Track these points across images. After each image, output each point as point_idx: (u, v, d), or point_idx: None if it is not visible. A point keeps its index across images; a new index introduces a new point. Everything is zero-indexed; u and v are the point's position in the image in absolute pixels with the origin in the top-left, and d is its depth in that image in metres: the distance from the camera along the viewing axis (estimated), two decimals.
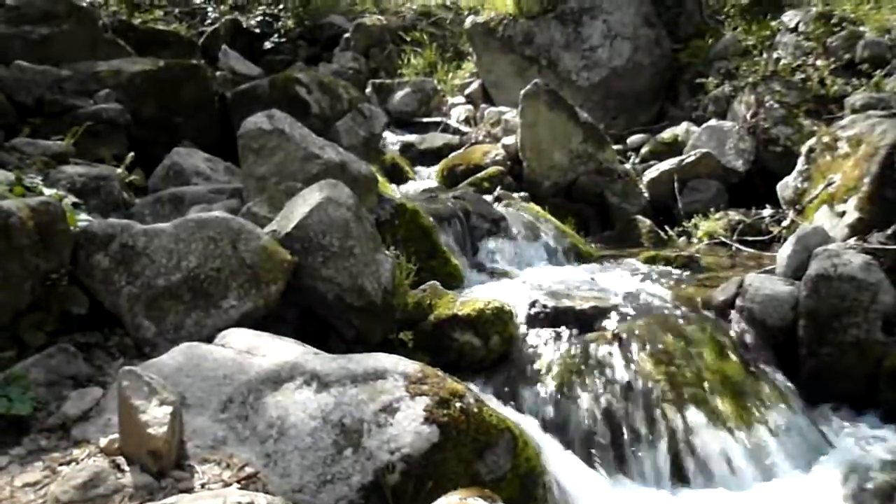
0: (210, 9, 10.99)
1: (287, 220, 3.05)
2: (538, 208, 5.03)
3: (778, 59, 6.21)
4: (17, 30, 5.99)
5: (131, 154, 4.91)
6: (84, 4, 7.79)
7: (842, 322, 3.23)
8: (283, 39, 10.82)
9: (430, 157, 6.78)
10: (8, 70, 5.38)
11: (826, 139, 4.78)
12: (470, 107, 8.11)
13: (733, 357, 3.31)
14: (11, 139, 4.72)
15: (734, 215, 5.08)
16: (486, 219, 4.53)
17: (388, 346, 3.04)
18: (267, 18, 11.04)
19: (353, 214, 3.09)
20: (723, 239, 4.87)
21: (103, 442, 2.01)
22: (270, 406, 2.19)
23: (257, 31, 10.72)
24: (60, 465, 2.01)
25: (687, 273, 4.26)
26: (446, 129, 7.56)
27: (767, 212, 5.12)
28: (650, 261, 4.46)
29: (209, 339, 2.62)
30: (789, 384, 3.29)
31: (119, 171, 4.54)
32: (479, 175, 5.78)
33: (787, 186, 4.95)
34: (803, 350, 3.32)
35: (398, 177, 6.06)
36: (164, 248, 2.77)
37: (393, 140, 7.11)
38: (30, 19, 6.13)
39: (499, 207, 4.77)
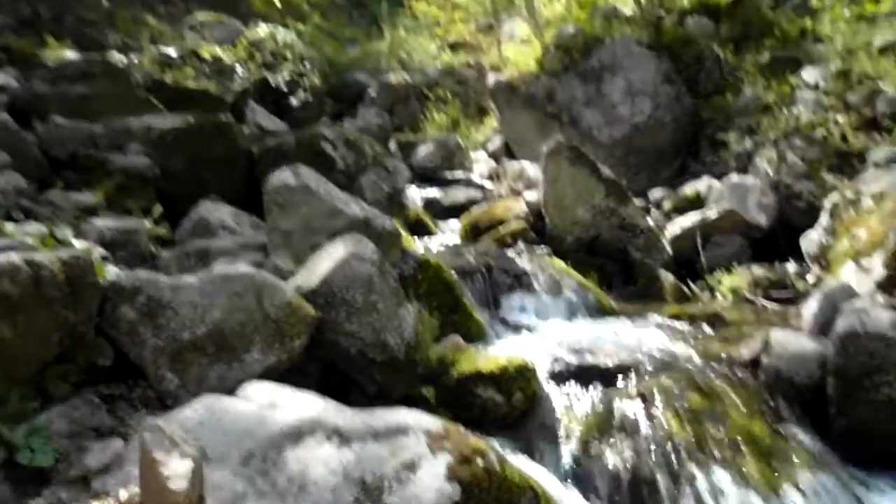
0: (239, 67, 11.31)
1: (311, 275, 3.08)
2: (561, 263, 5.02)
3: (798, 116, 6.23)
4: (55, 89, 6.22)
5: (159, 207, 5.02)
6: (119, 64, 8.09)
7: (873, 380, 3.16)
8: (309, 96, 11.08)
9: (453, 211, 6.83)
10: (45, 126, 5.56)
11: (849, 194, 4.76)
12: (493, 162, 8.22)
13: (760, 416, 3.24)
14: (45, 192, 4.86)
15: (758, 270, 5.04)
16: (508, 273, 4.53)
17: (410, 402, 3.01)
18: (294, 76, 11.33)
19: (377, 269, 3.11)
20: (747, 294, 4.82)
21: (123, 495, 2.01)
22: (291, 461, 2.18)
23: (285, 88, 11.00)
24: None
25: (711, 329, 4.21)
26: (469, 184, 7.64)
27: (792, 267, 5.08)
28: (674, 316, 4.41)
29: (231, 392, 2.62)
30: (820, 444, 3.20)
31: (147, 224, 4.64)
32: (501, 230, 5.80)
33: (811, 241, 4.92)
34: (833, 409, 3.24)
35: (421, 231, 6.10)
36: (189, 302, 2.80)
37: (416, 195, 7.18)
38: (69, 78, 6.37)
39: (521, 262, 4.77)
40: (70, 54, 8.82)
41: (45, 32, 10.19)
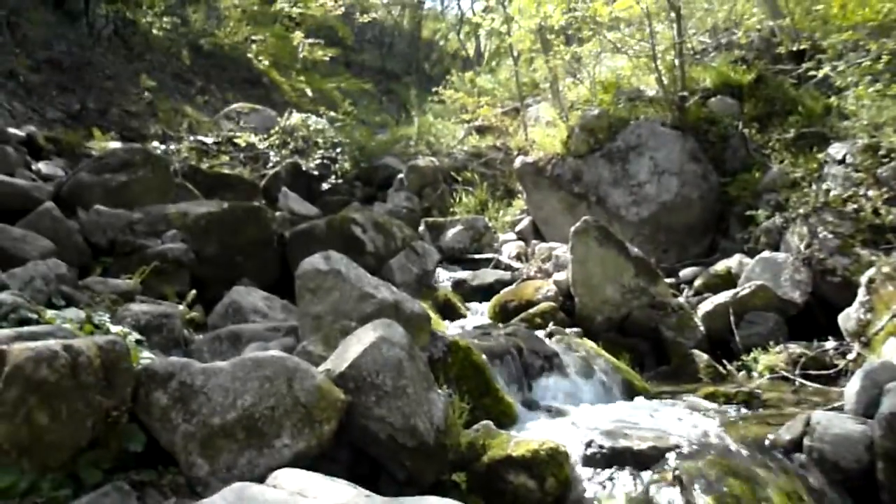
0: (272, 153, 11.69)
1: (341, 360, 3.09)
2: (592, 344, 4.97)
3: (828, 191, 6.22)
4: (98, 178, 6.49)
5: (193, 292, 5.13)
6: (159, 153, 8.43)
7: None
8: (340, 181, 11.36)
9: (482, 293, 6.83)
10: (87, 214, 5.77)
11: (886, 269, 4.69)
12: (521, 243, 8.26)
13: (805, 502, 3.11)
14: (84, 278, 5.00)
15: (795, 348, 4.93)
16: (539, 355, 4.48)
17: (440, 488, 2.96)
18: (325, 161, 11.66)
19: (407, 354, 3.11)
20: (785, 373, 4.70)
21: None
22: None
23: (316, 173, 11.30)
24: None
25: (749, 410, 4.09)
26: (498, 265, 7.67)
27: (830, 344, 4.96)
28: (710, 397, 4.31)
29: (261, 479, 2.59)
30: None
31: (181, 308, 4.72)
32: (531, 311, 5.78)
33: (849, 318, 4.82)
34: (885, 496, 3.09)
35: (451, 313, 6.10)
36: (220, 387, 2.81)
37: (445, 276, 7.22)
38: (111, 168, 6.64)
39: (552, 343, 4.72)
40: (114, 144, 9.23)
41: (92, 125, 10.70)
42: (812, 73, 7.38)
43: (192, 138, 11.52)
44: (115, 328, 3.71)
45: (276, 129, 12.20)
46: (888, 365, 3.65)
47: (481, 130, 12.39)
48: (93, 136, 10.12)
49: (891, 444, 3.08)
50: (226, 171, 9.96)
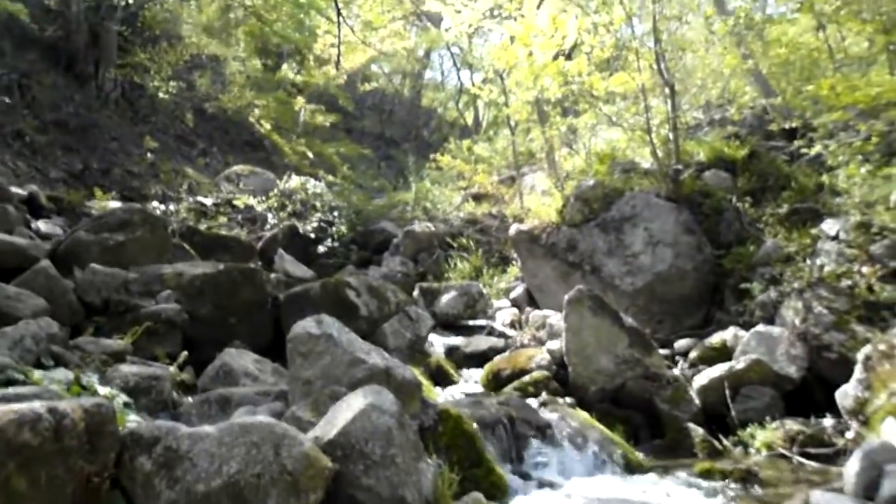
0: (270, 215, 11.77)
1: (330, 426, 3.04)
2: (585, 414, 4.90)
3: (822, 266, 6.25)
4: (96, 237, 6.51)
5: (185, 353, 5.07)
6: (157, 213, 8.49)
7: None
8: (336, 244, 11.41)
9: (475, 360, 6.76)
10: (82, 273, 5.76)
11: (882, 347, 4.67)
12: (515, 310, 8.24)
13: None
14: (76, 337, 4.95)
15: (792, 425, 4.86)
16: (531, 425, 4.41)
17: None
18: (322, 224, 11.73)
19: (396, 422, 3.07)
20: (783, 451, 4.63)
21: None
22: None
23: (312, 235, 11.35)
24: None
25: (746, 488, 4.02)
26: (491, 332, 7.63)
27: (828, 422, 4.90)
28: (705, 474, 4.23)
29: None
30: None
31: (172, 370, 4.67)
32: (524, 379, 5.72)
33: (846, 395, 4.77)
34: None
35: (443, 380, 6.04)
36: (206, 452, 2.76)
37: (438, 342, 7.17)
38: (109, 227, 6.68)
39: (544, 413, 4.66)
40: (114, 204, 9.30)
41: (94, 184, 10.82)
42: (804, 150, 7.52)
43: (191, 199, 11.61)
44: (103, 390, 3.66)
45: (275, 191, 12.33)
46: (887, 446, 3.61)
47: (477, 198, 12.52)
48: (94, 196, 10.21)
49: None
50: (223, 232, 10.01)
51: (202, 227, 9.81)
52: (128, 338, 5.09)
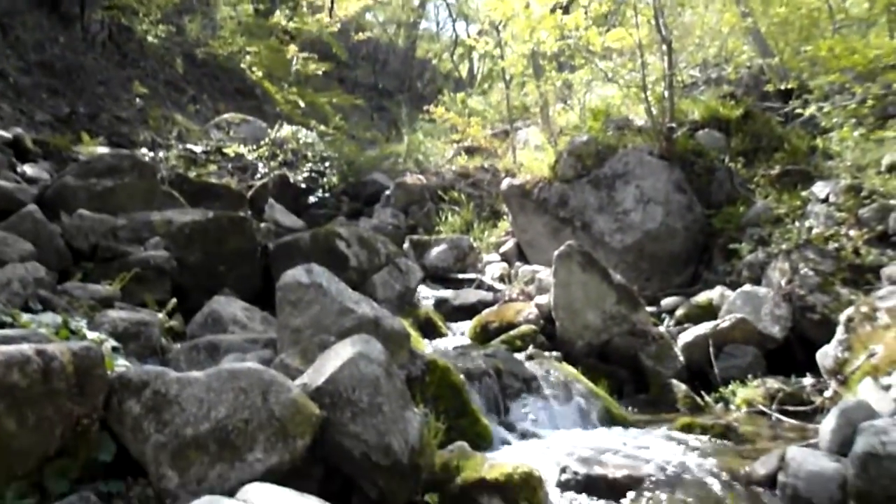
0: (261, 164, 11.67)
1: (318, 374, 3.07)
2: (571, 369, 4.97)
3: (810, 228, 6.29)
4: (83, 182, 6.44)
5: (173, 300, 5.08)
6: (146, 159, 8.39)
7: None
8: (327, 194, 11.37)
9: (463, 312, 6.82)
10: (70, 218, 5.71)
11: (865, 309, 4.72)
12: (504, 265, 8.27)
13: None
14: (64, 282, 4.94)
15: (773, 383, 4.95)
16: (517, 378, 4.47)
17: None
18: (313, 175, 11.66)
19: (384, 371, 3.09)
20: (762, 408, 4.72)
21: None
22: None
23: (303, 186, 11.29)
24: None
25: (725, 443, 4.11)
26: (480, 285, 7.67)
27: (808, 381, 4.99)
28: (686, 428, 4.31)
29: (231, 493, 2.56)
30: None
31: (160, 316, 4.68)
32: (511, 333, 5.78)
33: (826, 355, 4.85)
34: None
35: (431, 332, 6.09)
36: (195, 397, 2.78)
37: (428, 295, 7.21)
38: (97, 173, 6.60)
39: (531, 366, 4.72)
40: (102, 150, 9.17)
41: (81, 129, 10.65)
42: (799, 112, 7.50)
43: (181, 146, 11.48)
44: (91, 334, 3.67)
45: (266, 140, 12.20)
46: (863, 404, 3.67)
47: (470, 151, 12.45)
48: (81, 141, 10.06)
49: (863, 483, 3.10)
50: (213, 180, 9.92)
51: (192, 174, 9.71)
52: (116, 284, 5.09)
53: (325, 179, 11.64)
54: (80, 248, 5.57)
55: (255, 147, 11.98)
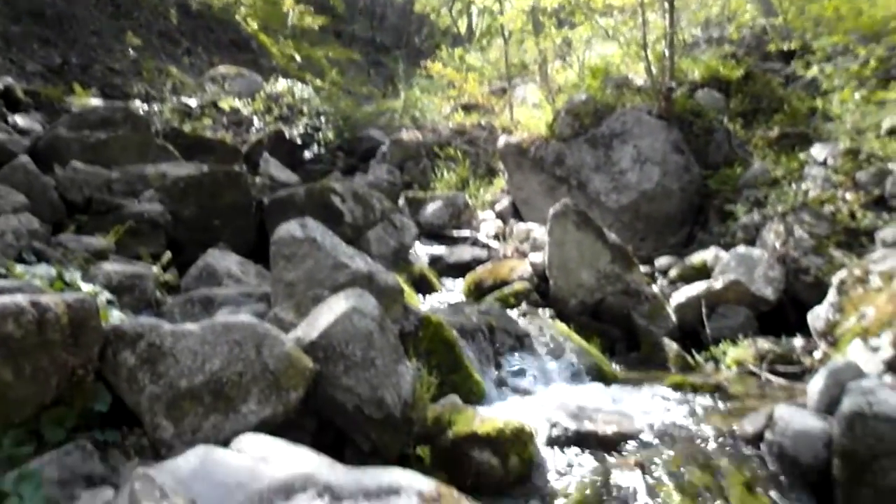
0: (256, 119, 11.55)
1: (312, 328, 3.08)
2: (564, 326, 5.00)
3: (807, 191, 6.28)
4: (76, 134, 6.37)
5: (168, 254, 5.07)
6: (140, 112, 8.30)
7: (881, 464, 3.06)
8: (322, 150, 11.28)
9: (457, 269, 6.84)
10: (63, 170, 5.66)
11: (857, 272, 4.75)
12: (499, 222, 8.26)
13: (763, 494, 3.17)
14: (58, 234, 4.92)
15: (764, 344, 5.00)
16: (510, 335, 4.51)
17: (404, 461, 2.98)
18: (309, 130, 11.55)
19: (377, 325, 3.11)
20: (752, 368, 4.77)
21: None
22: None
23: (299, 141, 11.20)
24: None
25: (714, 401, 4.16)
26: (475, 243, 7.68)
27: (798, 342, 5.04)
28: (676, 386, 4.37)
29: (225, 444, 2.59)
30: None
31: (155, 270, 4.67)
32: (505, 290, 5.80)
33: (818, 317, 4.89)
34: (839, 492, 3.15)
35: (425, 288, 6.11)
36: (189, 350, 2.80)
37: (422, 251, 7.21)
38: (89, 125, 6.53)
39: (524, 324, 4.75)
40: (95, 102, 9.06)
41: (73, 80, 10.49)
42: (800, 73, 7.42)
43: (175, 99, 11.34)
44: (85, 286, 3.67)
45: (261, 94, 12.06)
46: (852, 365, 3.71)
47: (467, 108, 12.33)
48: (73, 92, 9.92)
49: (848, 441, 3.14)
50: (208, 134, 9.84)
51: (186, 128, 9.62)
52: (110, 237, 5.07)
53: (320, 135, 11.54)
54: (74, 200, 5.54)
55: (250, 101, 11.84)
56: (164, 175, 6.04)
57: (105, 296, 3.67)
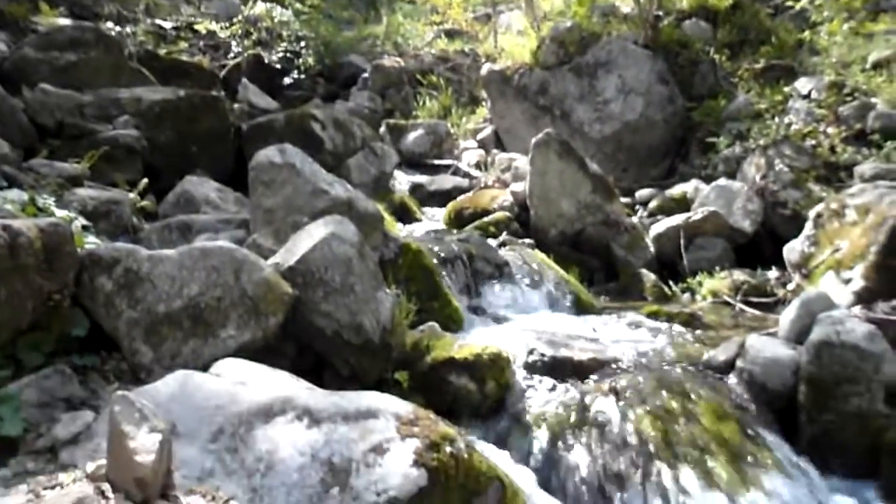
0: (234, 43, 11.22)
1: (290, 254, 3.07)
2: (543, 256, 5.04)
3: (789, 124, 6.27)
4: (44, 55, 6.14)
5: (145, 180, 4.99)
6: (112, 34, 8.00)
7: (844, 390, 3.17)
8: (302, 76, 11.03)
9: (438, 198, 6.82)
10: (32, 93, 5.49)
11: (834, 206, 4.79)
12: (481, 151, 8.20)
13: (732, 419, 3.26)
14: (29, 160, 4.80)
15: (739, 275, 5.08)
16: (489, 263, 4.54)
17: (383, 386, 3.03)
18: (288, 55, 11.27)
19: (357, 251, 3.11)
20: (727, 298, 4.86)
21: (90, 467, 1.99)
22: (260, 439, 2.18)
23: (278, 66, 10.93)
24: (45, 489, 1.98)
25: (688, 330, 4.23)
26: (456, 172, 7.64)
27: (773, 274, 5.11)
28: (652, 315, 4.44)
29: (205, 368, 2.61)
30: (788, 451, 3.23)
31: (131, 195, 4.60)
32: (486, 219, 5.81)
33: (793, 250, 4.95)
34: (804, 417, 3.27)
35: (406, 217, 6.10)
36: (167, 275, 2.78)
37: (403, 180, 7.18)
38: (58, 45, 6.29)
39: (504, 253, 4.78)
40: (63, 21, 8.70)
41: None
42: (789, 3, 7.31)
43: (149, 21, 10.93)
44: (60, 212, 3.61)
45: (239, 17, 11.65)
46: (823, 296, 3.79)
47: (451, 34, 12.04)
48: (39, 10, 9.51)
49: (815, 368, 3.23)
50: (184, 58, 9.54)
51: (161, 51, 9.31)
52: (84, 162, 4.96)
53: (300, 60, 11.25)
54: (45, 124, 5.39)
55: (227, 24, 11.45)
56: (138, 99, 5.87)
57: (80, 222, 3.62)
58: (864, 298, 4.08)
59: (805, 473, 3.15)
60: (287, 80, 10.86)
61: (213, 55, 10.77)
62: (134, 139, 5.42)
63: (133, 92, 6.07)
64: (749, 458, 3.09)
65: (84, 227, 3.59)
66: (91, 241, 3.26)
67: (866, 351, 3.17)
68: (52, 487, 1.98)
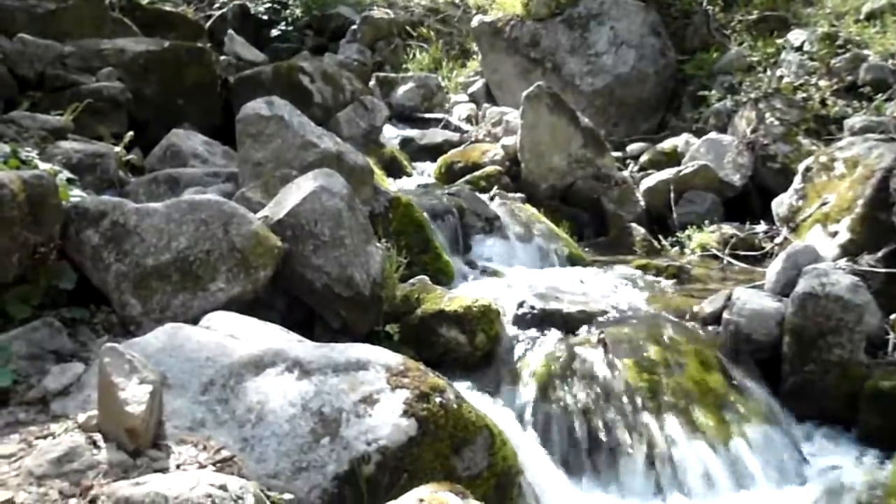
0: None
1: (280, 207, 3.06)
2: (533, 210, 5.04)
3: (781, 77, 6.22)
4: (22, 3, 5.97)
5: (130, 133, 4.90)
6: None
7: (826, 341, 3.24)
8: (290, 28, 10.82)
9: (429, 152, 6.77)
10: (11, 43, 5.36)
11: (823, 159, 4.80)
12: (472, 105, 8.12)
13: (717, 370, 3.33)
14: (10, 112, 4.71)
15: (728, 229, 5.11)
16: (480, 217, 4.54)
17: (373, 338, 3.05)
18: (275, 6, 11.04)
19: (347, 205, 3.10)
20: (715, 252, 4.89)
21: (81, 418, 2.01)
22: (251, 390, 2.20)
23: (265, 17, 10.73)
24: (37, 438, 2.01)
25: (677, 283, 4.28)
26: (447, 126, 7.57)
27: (761, 227, 5.14)
28: (641, 269, 4.47)
29: (195, 321, 2.62)
30: (771, 400, 3.30)
31: (117, 149, 4.54)
32: (476, 173, 5.78)
33: (781, 203, 4.97)
34: (787, 367, 3.33)
35: (396, 171, 6.05)
36: (155, 228, 2.77)
37: (393, 134, 7.11)
38: None
39: (494, 206, 4.77)
40: None
41: None
42: None
43: None
44: (44, 165, 3.55)
45: None
46: (810, 249, 3.83)
47: None
48: None
49: (799, 320, 3.29)
50: (168, 8, 9.32)
51: (143, 1, 9.10)
52: (67, 115, 4.87)
53: (287, 11, 11.03)
54: (25, 75, 5.26)
55: None
56: (122, 51, 5.74)
57: (65, 175, 3.56)
58: (850, 251, 4.13)
59: (787, 422, 3.24)
60: (274, 32, 10.65)
61: (197, 5, 10.54)
62: (118, 91, 5.31)
63: (116, 43, 5.93)
64: (733, 408, 3.17)
65: (69, 181, 3.54)
66: (76, 195, 3.22)
67: (850, 302, 3.22)
68: (44, 437, 2.00)
